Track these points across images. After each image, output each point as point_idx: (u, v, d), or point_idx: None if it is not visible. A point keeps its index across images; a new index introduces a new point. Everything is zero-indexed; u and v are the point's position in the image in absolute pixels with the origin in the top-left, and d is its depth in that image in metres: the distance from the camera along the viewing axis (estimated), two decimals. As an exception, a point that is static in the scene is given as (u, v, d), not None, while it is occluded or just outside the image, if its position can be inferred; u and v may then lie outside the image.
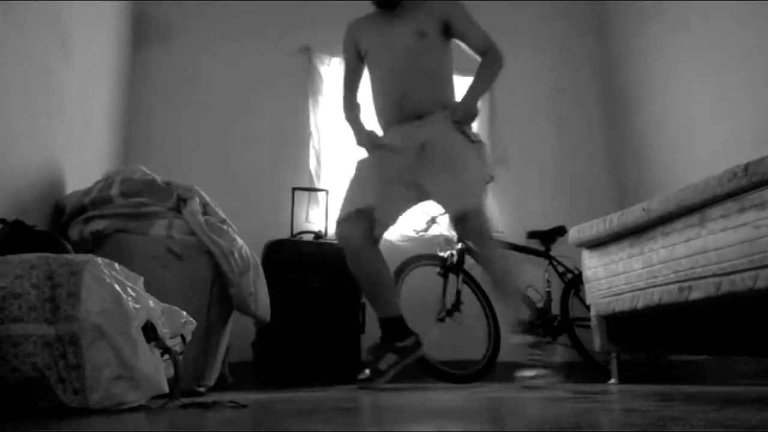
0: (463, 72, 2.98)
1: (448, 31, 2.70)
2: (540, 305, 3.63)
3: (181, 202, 2.17)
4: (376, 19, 2.81)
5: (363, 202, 2.53)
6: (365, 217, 2.51)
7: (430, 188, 2.53)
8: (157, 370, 1.31)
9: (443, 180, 2.48)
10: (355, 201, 2.55)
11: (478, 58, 2.71)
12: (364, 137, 2.71)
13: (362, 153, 2.75)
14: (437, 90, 2.68)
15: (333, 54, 3.93)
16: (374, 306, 2.61)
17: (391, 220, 2.64)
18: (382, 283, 2.57)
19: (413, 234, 3.58)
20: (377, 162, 2.63)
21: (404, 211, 2.70)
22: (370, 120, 2.81)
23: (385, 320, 2.54)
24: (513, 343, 2.49)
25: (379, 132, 2.76)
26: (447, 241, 3.47)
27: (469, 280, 3.46)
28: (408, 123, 2.62)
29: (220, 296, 2.17)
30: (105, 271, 1.29)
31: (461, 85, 2.79)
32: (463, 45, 2.73)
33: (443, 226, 3.48)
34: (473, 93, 2.65)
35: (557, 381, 2.35)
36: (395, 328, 2.53)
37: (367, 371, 2.48)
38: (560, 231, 3.78)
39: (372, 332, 3.10)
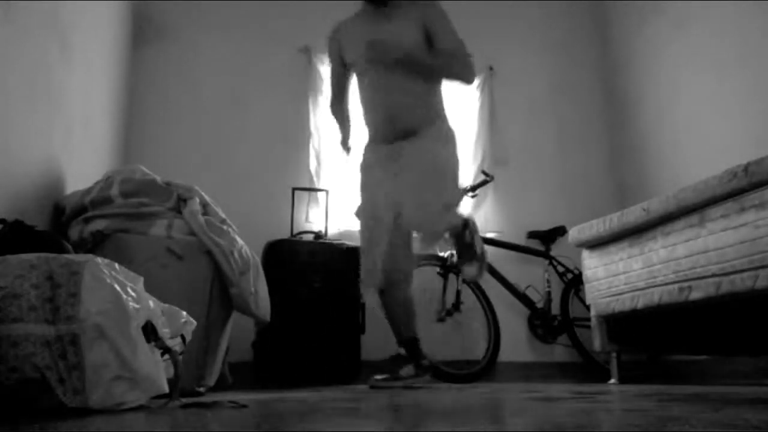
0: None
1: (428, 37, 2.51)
2: (540, 305, 3.64)
3: (181, 202, 2.17)
4: (362, 19, 2.62)
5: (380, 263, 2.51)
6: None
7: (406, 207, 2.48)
8: (157, 370, 1.31)
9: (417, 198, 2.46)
10: (376, 258, 2.51)
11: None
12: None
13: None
14: (426, 104, 2.54)
15: (333, 54, 3.94)
16: (398, 327, 2.59)
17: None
18: (411, 309, 2.59)
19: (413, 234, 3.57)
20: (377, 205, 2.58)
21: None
22: (361, 129, 2.72)
23: (410, 340, 2.57)
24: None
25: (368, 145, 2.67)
26: (447, 241, 3.47)
27: (469, 280, 3.46)
28: (397, 141, 2.52)
29: (220, 296, 2.17)
30: (105, 271, 1.29)
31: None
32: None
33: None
34: (421, 58, 2.48)
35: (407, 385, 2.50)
36: (417, 348, 2.58)
37: (386, 375, 2.52)
38: (560, 231, 3.78)
39: (372, 332, 3.10)
